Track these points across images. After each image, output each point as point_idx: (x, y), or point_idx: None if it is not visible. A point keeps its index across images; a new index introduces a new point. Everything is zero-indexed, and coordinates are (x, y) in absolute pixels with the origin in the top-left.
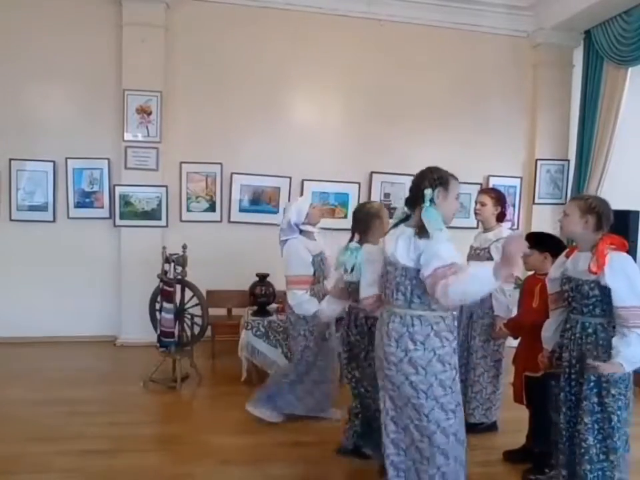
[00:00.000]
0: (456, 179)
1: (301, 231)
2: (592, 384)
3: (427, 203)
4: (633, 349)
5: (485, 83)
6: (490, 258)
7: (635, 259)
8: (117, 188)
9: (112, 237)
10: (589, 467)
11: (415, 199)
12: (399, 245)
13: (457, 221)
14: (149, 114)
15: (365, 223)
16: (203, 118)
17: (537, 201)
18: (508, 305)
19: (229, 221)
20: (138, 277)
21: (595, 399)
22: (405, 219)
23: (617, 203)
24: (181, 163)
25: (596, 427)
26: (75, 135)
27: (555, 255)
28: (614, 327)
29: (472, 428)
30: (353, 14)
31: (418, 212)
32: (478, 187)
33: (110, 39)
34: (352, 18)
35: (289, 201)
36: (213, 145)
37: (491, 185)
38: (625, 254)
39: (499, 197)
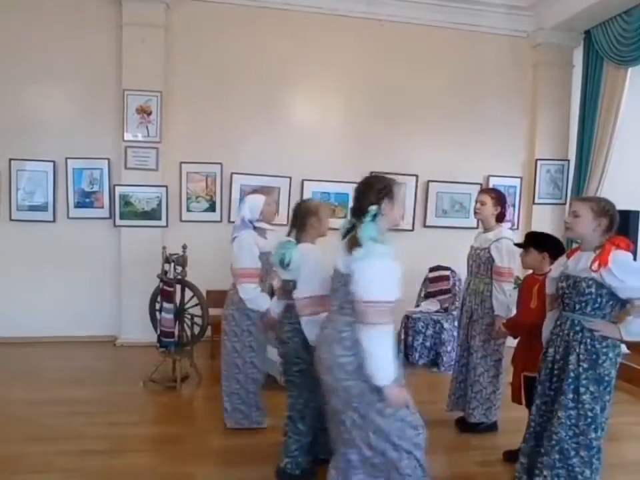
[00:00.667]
0: (399, 183)
1: (255, 228)
2: (570, 380)
3: (369, 218)
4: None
5: (485, 83)
6: (490, 258)
7: (635, 259)
8: (116, 188)
9: (112, 237)
10: (558, 456)
11: (360, 210)
12: (340, 253)
13: (457, 221)
14: (149, 114)
15: (301, 219)
16: (202, 118)
17: (537, 200)
18: (508, 304)
19: (229, 221)
20: (138, 277)
21: (571, 395)
22: (352, 229)
23: (617, 202)
24: (181, 163)
25: (569, 422)
26: (75, 135)
27: (553, 256)
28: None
29: (472, 428)
30: (353, 14)
31: (360, 224)
32: (478, 186)
33: (110, 39)
34: (352, 18)
35: (288, 201)
36: (213, 145)
37: (491, 185)
38: (628, 252)
39: (499, 197)
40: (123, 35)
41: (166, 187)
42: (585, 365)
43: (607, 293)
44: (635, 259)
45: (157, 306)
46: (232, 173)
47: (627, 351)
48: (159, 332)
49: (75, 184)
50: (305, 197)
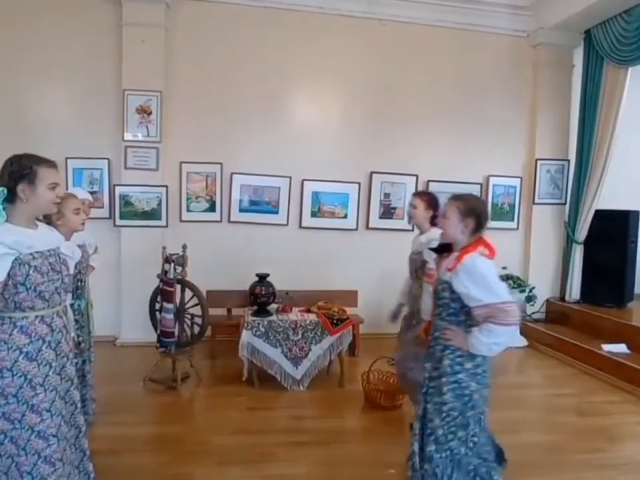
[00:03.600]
0: (49, 163)
1: None
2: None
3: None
4: (483, 335)
5: (485, 82)
6: (425, 261)
7: (634, 258)
8: (116, 188)
9: (112, 237)
10: (434, 447)
11: None
12: None
13: None
14: (149, 114)
15: None
16: (203, 118)
17: (537, 200)
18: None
19: (229, 221)
20: (138, 277)
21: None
22: None
23: (617, 203)
24: (181, 163)
25: (444, 408)
26: (75, 135)
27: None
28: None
29: None
30: (354, 14)
31: None
32: (478, 187)
33: (110, 39)
34: (353, 18)
35: (288, 201)
36: (213, 145)
37: (491, 185)
38: (483, 258)
39: (430, 200)
40: (123, 35)
41: (166, 187)
42: (435, 374)
43: (459, 298)
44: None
45: (157, 306)
46: (232, 173)
47: (628, 351)
48: (159, 332)
49: (74, 184)
50: (306, 196)
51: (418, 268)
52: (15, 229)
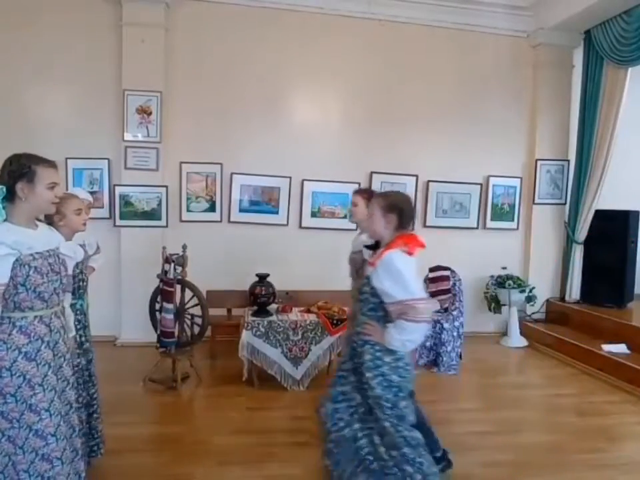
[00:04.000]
0: (48, 162)
1: None
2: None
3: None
4: (396, 332)
5: (485, 83)
6: (365, 260)
7: (634, 258)
8: (116, 188)
9: (112, 237)
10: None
11: None
12: None
13: (457, 221)
14: (149, 114)
15: None
16: (203, 118)
17: (537, 201)
18: None
19: (229, 221)
20: (138, 277)
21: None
22: None
23: (617, 203)
24: (181, 163)
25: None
26: (75, 135)
27: None
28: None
29: None
30: (354, 14)
31: None
32: (478, 187)
33: (110, 39)
34: (352, 18)
35: (288, 201)
36: (213, 145)
37: (491, 185)
38: (402, 254)
39: (370, 197)
40: (123, 35)
41: (166, 187)
42: (360, 370)
43: (377, 293)
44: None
45: (157, 306)
46: (232, 173)
47: (628, 351)
48: (159, 332)
49: (75, 184)
50: (306, 196)
51: (359, 268)
52: (14, 228)
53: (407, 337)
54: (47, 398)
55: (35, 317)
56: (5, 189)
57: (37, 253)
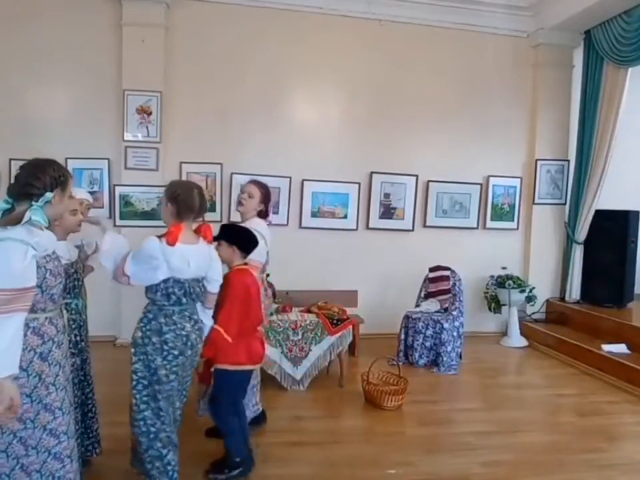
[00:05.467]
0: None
1: None
2: None
3: (41, 203)
4: None
5: (485, 83)
6: None
7: (634, 258)
8: (116, 188)
9: None
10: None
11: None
12: None
13: (457, 221)
14: (149, 114)
15: None
16: (203, 118)
17: (537, 201)
18: None
19: (229, 221)
20: None
21: None
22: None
23: (617, 203)
24: (181, 163)
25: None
26: (75, 135)
27: (242, 248)
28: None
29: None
30: (353, 14)
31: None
32: (478, 187)
33: (110, 39)
34: (352, 18)
35: (288, 201)
36: (213, 145)
37: (491, 185)
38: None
39: (267, 194)
40: (123, 35)
41: None
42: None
43: None
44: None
45: None
46: (232, 173)
47: (628, 351)
48: None
49: (75, 184)
50: (306, 196)
51: None
52: (35, 230)
53: None
54: (59, 397)
55: (46, 318)
56: (51, 195)
57: (47, 255)
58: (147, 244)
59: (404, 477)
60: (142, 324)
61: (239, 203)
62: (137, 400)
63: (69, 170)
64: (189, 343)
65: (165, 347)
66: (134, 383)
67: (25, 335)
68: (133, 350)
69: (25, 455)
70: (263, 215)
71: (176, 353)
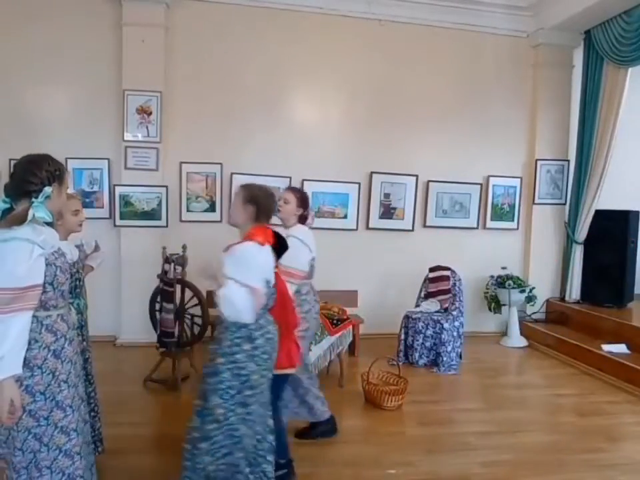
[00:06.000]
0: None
1: None
2: None
3: (42, 199)
4: None
5: (485, 83)
6: None
7: (634, 258)
8: (116, 188)
9: (112, 237)
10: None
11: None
12: None
13: (457, 221)
14: (149, 114)
15: None
16: (203, 118)
17: (537, 201)
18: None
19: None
20: (138, 277)
21: None
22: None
23: (617, 203)
24: (181, 163)
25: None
26: (75, 135)
27: None
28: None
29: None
30: (353, 14)
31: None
32: (478, 187)
33: (110, 39)
34: (352, 18)
35: None
36: (213, 145)
37: (491, 185)
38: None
39: (303, 198)
40: (123, 35)
41: (166, 187)
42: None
43: None
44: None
45: (157, 306)
46: (232, 173)
47: (628, 351)
48: (159, 332)
49: (75, 184)
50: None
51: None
52: (40, 228)
53: None
54: (70, 394)
55: (58, 315)
56: (50, 190)
57: (55, 251)
58: (248, 251)
59: (404, 476)
60: (228, 332)
61: (277, 210)
62: (226, 409)
63: (69, 170)
64: (275, 346)
65: (256, 352)
66: (220, 392)
67: (40, 333)
68: (221, 360)
69: (38, 451)
70: (302, 219)
71: (266, 357)
